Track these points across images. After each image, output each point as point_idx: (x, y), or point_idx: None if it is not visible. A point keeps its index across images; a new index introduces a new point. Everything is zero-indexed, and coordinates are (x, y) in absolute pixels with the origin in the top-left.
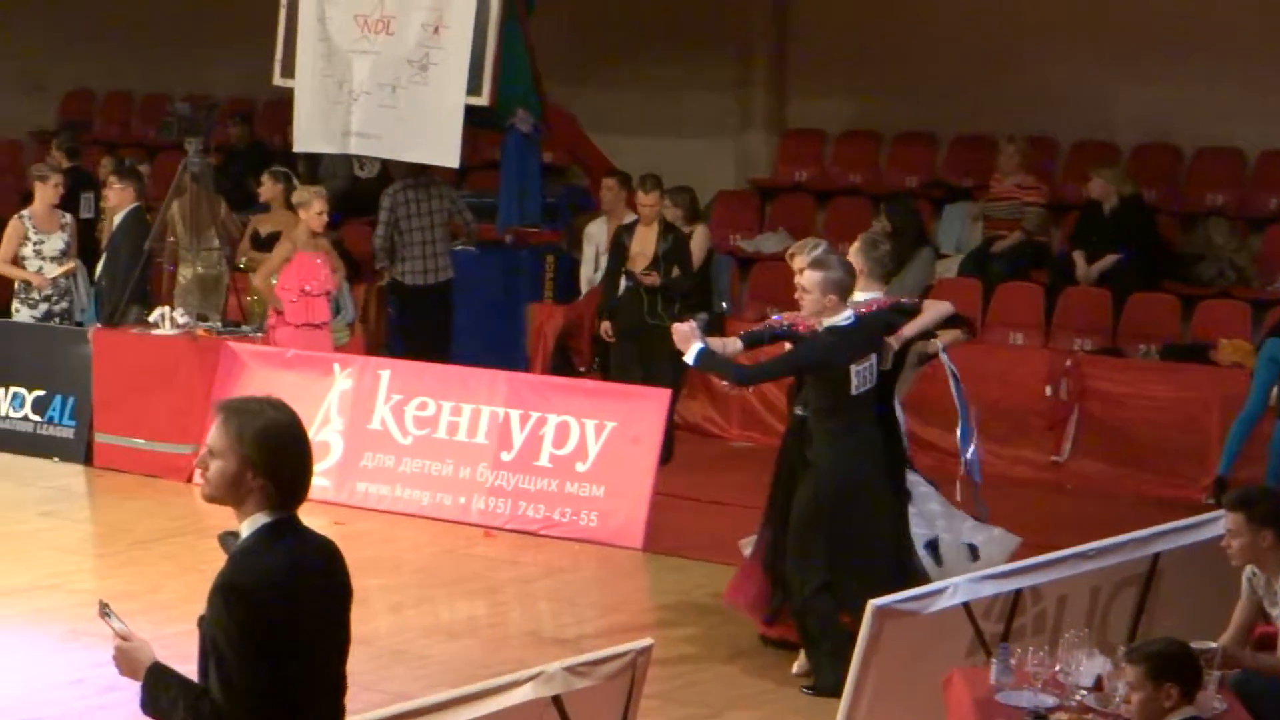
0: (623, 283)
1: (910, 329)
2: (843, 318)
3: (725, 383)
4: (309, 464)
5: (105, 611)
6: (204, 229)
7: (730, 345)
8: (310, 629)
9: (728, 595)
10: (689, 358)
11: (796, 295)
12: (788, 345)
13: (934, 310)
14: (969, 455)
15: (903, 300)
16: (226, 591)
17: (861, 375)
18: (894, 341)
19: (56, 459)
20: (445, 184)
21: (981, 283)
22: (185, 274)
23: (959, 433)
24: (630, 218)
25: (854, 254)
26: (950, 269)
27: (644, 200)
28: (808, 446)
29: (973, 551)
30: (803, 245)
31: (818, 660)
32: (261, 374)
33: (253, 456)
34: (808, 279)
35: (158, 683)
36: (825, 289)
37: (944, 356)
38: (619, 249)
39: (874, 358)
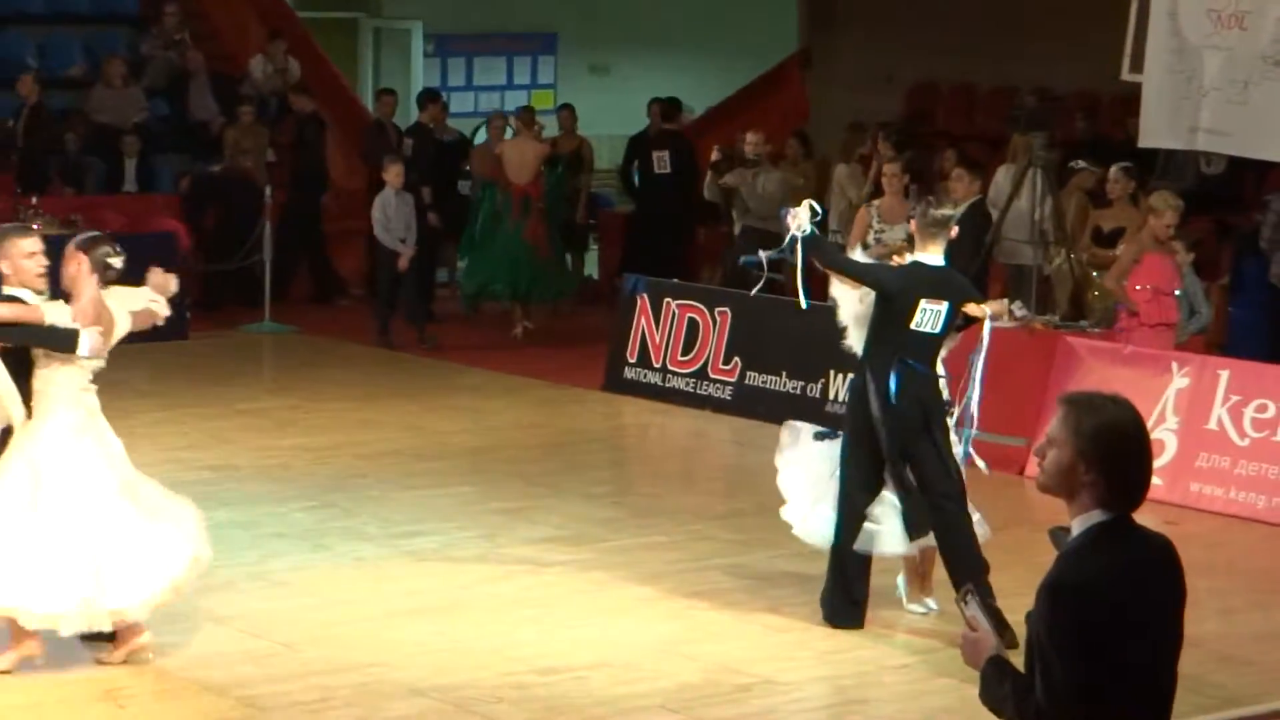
0: None
1: None
2: None
3: None
4: (1146, 465)
5: (965, 598)
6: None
7: None
8: (1138, 631)
9: None
10: None
11: None
12: None
13: None
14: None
15: None
16: (1054, 590)
17: None
18: None
19: None
20: None
21: None
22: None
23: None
24: None
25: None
26: None
27: None
28: None
29: None
30: None
31: None
32: (1098, 370)
33: (1087, 451)
34: None
35: (995, 675)
36: None
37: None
38: None
39: None
